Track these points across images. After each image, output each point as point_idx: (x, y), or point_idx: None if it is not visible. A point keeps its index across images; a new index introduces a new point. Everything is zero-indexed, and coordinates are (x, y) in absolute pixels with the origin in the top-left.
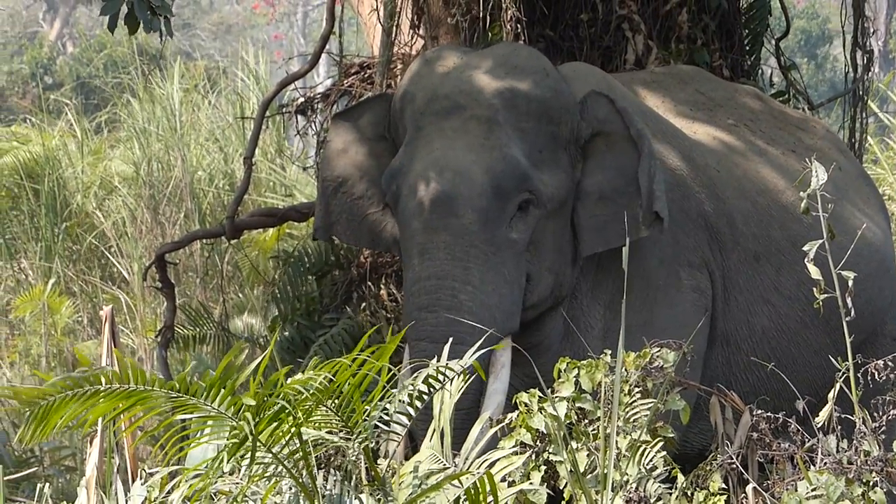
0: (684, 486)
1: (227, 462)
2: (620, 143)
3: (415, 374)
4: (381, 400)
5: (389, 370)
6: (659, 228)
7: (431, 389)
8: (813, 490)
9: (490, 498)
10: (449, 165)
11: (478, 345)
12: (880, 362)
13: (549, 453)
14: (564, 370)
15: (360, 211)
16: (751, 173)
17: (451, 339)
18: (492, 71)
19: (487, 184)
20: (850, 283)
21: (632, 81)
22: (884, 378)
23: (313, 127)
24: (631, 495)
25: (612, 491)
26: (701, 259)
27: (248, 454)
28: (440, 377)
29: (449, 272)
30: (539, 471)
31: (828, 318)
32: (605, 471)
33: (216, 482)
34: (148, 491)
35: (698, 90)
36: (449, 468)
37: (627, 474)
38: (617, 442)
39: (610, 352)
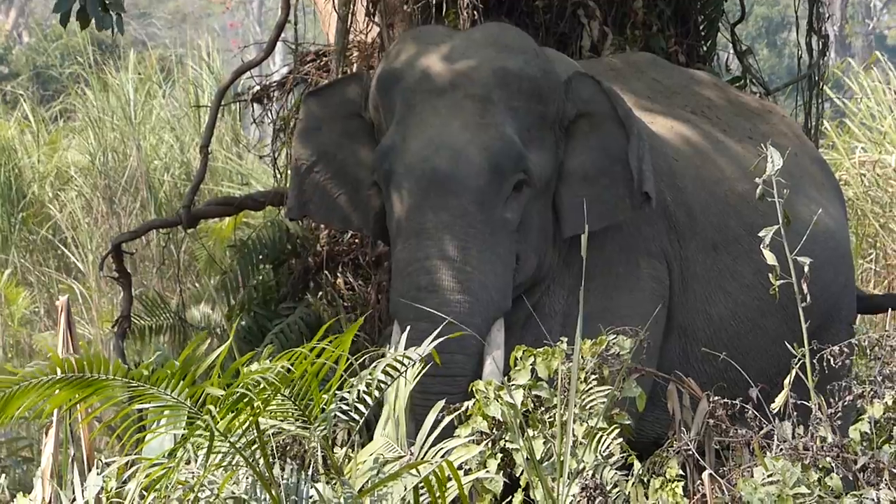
0: (641, 472)
1: (186, 452)
2: (606, 123)
3: (373, 364)
4: (338, 389)
5: (347, 359)
6: (631, 215)
7: (390, 378)
8: (769, 476)
9: (448, 486)
10: (445, 144)
11: (435, 333)
12: (836, 348)
13: (506, 441)
14: (520, 358)
15: (333, 189)
16: (708, 162)
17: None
18: (483, 50)
19: (485, 163)
20: (806, 269)
21: (591, 69)
22: (839, 364)
23: (269, 115)
24: (587, 482)
25: (569, 478)
26: (659, 248)
27: (206, 444)
28: (398, 365)
29: (448, 253)
30: (495, 458)
31: (785, 306)
32: (562, 458)
33: (175, 472)
34: (104, 481)
35: (655, 78)
36: (404, 456)
37: (584, 461)
38: (573, 429)
39: (566, 339)
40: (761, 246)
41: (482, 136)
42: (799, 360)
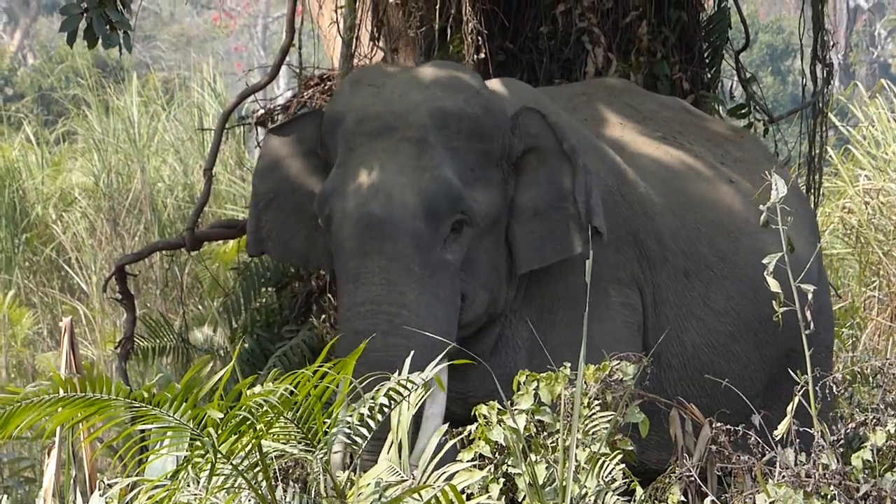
0: (643, 498)
1: (188, 474)
2: (553, 158)
3: (375, 388)
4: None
5: (350, 382)
6: (598, 243)
7: (392, 402)
8: (771, 503)
9: None
10: (381, 188)
11: (439, 358)
12: (839, 376)
13: (508, 466)
14: (524, 382)
15: (291, 227)
16: (678, 188)
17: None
18: (422, 90)
19: (420, 206)
20: (810, 296)
21: (562, 95)
22: (841, 391)
23: None
24: None
25: (571, 503)
26: (630, 276)
27: (209, 466)
28: (400, 390)
29: (384, 297)
30: (498, 483)
31: (756, 331)
32: (564, 483)
33: (177, 494)
34: (107, 502)
35: (627, 103)
36: (407, 480)
37: (586, 487)
38: (576, 454)
39: (570, 364)
40: (765, 273)
41: (417, 179)
42: (802, 387)
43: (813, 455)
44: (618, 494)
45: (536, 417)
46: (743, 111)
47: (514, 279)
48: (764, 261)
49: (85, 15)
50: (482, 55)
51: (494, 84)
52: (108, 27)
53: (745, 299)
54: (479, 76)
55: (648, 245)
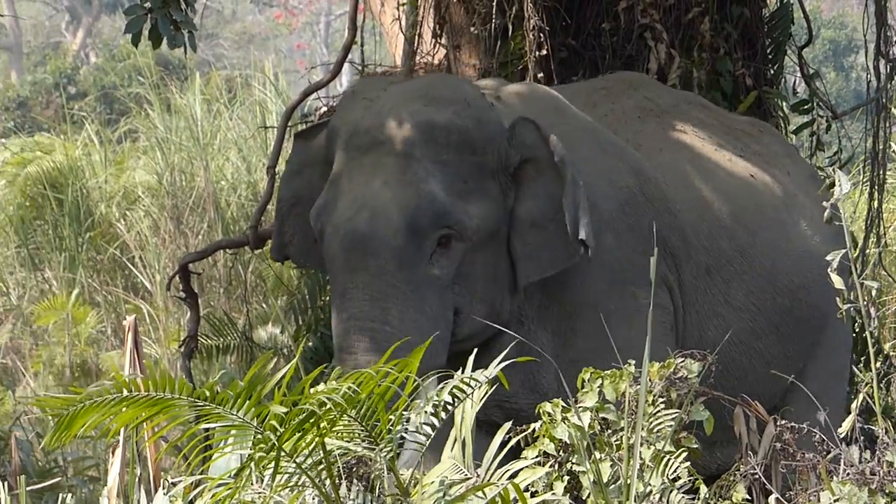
0: (708, 496)
1: (252, 472)
2: (548, 169)
3: (440, 385)
4: (405, 410)
5: (414, 380)
6: (621, 246)
7: (455, 399)
8: (836, 501)
9: None
10: (366, 204)
11: (504, 354)
12: None
13: (572, 463)
14: (588, 380)
15: (310, 233)
16: (698, 182)
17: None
18: (410, 104)
19: (402, 222)
20: (874, 292)
21: (581, 91)
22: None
23: None
24: None
25: (635, 501)
26: (658, 276)
27: (273, 464)
28: (464, 387)
29: (367, 313)
30: (562, 481)
31: (777, 325)
32: (629, 481)
33: (241, 492)
34: (171, 501)
35: (646, 97)
36: (471, 478)
37: (651, 485)
38: (640, 452)
39: (634, 362)
40: (829, 270)
41: (401, 194)
42: (866, 384)
43: (878, 452)
44: (682, 492)
45: (601, 415)
46: (806, 107)
47: (518, 291)
48: (828, 257)
49: (149, 15)
50: (544, 52)
51: (513, 89)
52: (172, 27)
53: (764, 293)
54: (475, 87)
55: (672, 243)
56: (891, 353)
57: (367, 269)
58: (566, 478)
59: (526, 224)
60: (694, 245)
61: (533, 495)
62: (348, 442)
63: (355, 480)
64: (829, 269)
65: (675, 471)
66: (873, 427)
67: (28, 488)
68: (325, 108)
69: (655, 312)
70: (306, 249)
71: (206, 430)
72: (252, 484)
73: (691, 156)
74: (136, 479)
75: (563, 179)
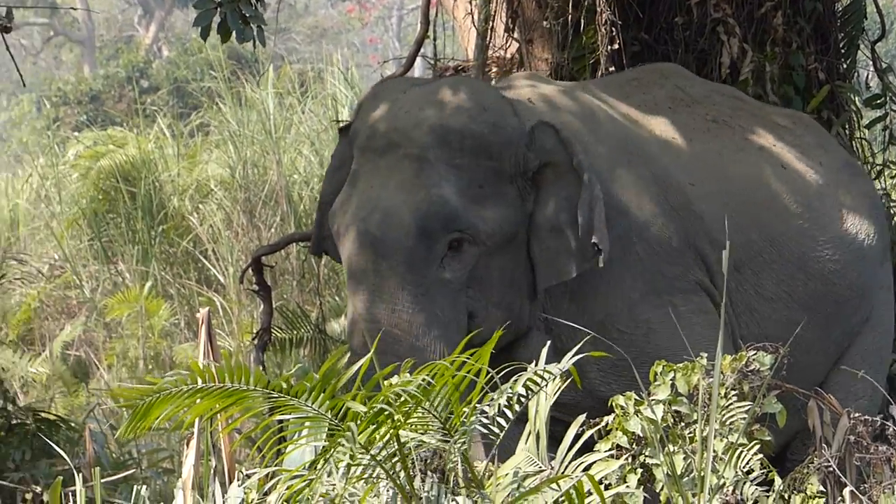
0: (781, 489)
1: (327, 464)
2: (566, 173)
3: (513, 378)
4: (478, 402)
5: (488, 373)
6: (597, 261)
7: (529, 392)
8: None
9: (587, 501)
10: (379, 206)
11: (577, 347)
12: None
13: (646, 456)
14: (660, 373)
15: None
16: (727, 172)
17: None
18: (427, 107)
19: (413, 225)
20: None
21: (614, 83)
22: None
23: None
24: (727, 498)
25: (709, 494)
26: (693, 283)
27: (347, 456)
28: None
29: (376, 315)
30: (635, 474)
31: (812, 310)
32: (702, 474)
33: (318, 484)
34: (245, 492)
35: (678, 86)
36: (545, 471)
37: (724, 477)
38: (713, 445)
39: (706, 355)
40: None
41: (413, 196)
42: None
43: None
44: (756, 484)
45: (674, 408)
46: (879, 101)
47: (538, 296)
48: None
49: (219, 9)
50: (616, 46)
51: (549, 91)
52: (241, 21)
53: (795, 280)
54: (495, 91)
55: (702, 248)
56: None
57: (377, 270)
58: (640, 470)
59: (545, 228)
60: (720, 244)
61: (607, 488)
62: (423, 434)
63: (429, 472)
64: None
65: (748, 463)
66: None
67: (102, 480)
68: None
69: (698, 318)
70: None
71: (280, 421)
72: (326, 476)
73: (722, 146)
74: (211, 471)
75: (580, 183)
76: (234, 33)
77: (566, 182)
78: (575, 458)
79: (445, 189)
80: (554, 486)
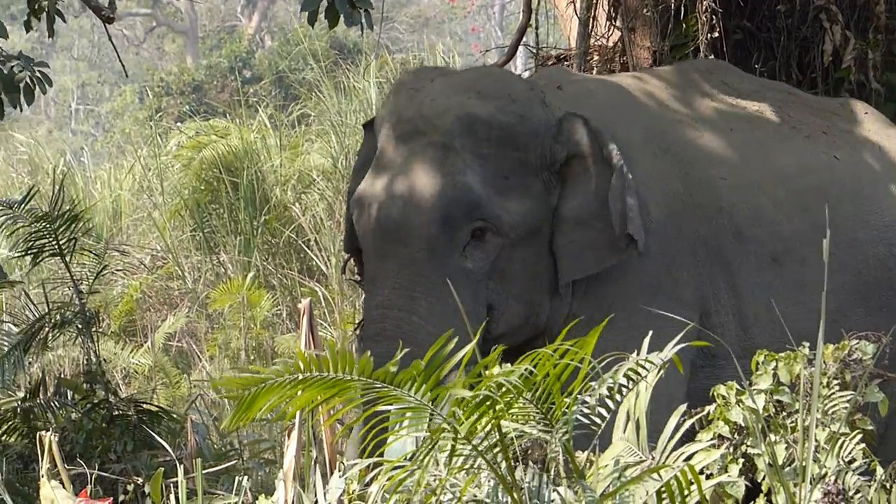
0: (883, 478)
1: (428, 454)
2: (596, 165)
3: (614, 368)
4: (580, 392)
5: (590, 362)
6: (634, 251)
7: (630, 382)
8: None
9: (688, 491)
10: (401, 192)
11: (679, 336)
12: None
13: (747, 446)
14: (762, 362)
15: None
16: (770, 164)
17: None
18: (454, 96)
19: (436, 212)
20: None
21: (654, 77)
22: None
23: None
24: (829, 488)
25: (811, 483)
26: (694, 296)
27: (449, 446)
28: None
29: (394, 302)
30: (737, 463)
31: (866, 298)
32: (804, 463)
33: (424, 474)
34: (347, 484)
35: (724, 81)
36: (646, 461)
37: (826, 467)
38: (815, 434)
39: (808, 344)
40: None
41: (436, 183)
42: None
43: None
44: (858, 474)
45: (775, 397)
46: None
47: (560, 291)
48: None
49: None
50: (716, 34)
51: (581, 82)
52: (349, 5)
53: (846, 268)
54: (525, 82)
55: (724, 245)
56: None
57: (397, 257)
58: (741, 460)
59: (571, 221)
60: (754, 237)
61: (708, 477)
62: (524, 424)
63: (531, 463)
64: None
65: (850, 453)
66: None
67: (204, 471)
68: None
69: (675, 332)
70: None
71: (380, 413)
72: (429, 466)
73: (766, 136)
74: (312, 462)
75: (612, 173)
76: (341, 17)
77: (595, 173)
78: (676, 447)
79: (470, 177)
80: (655, 476)
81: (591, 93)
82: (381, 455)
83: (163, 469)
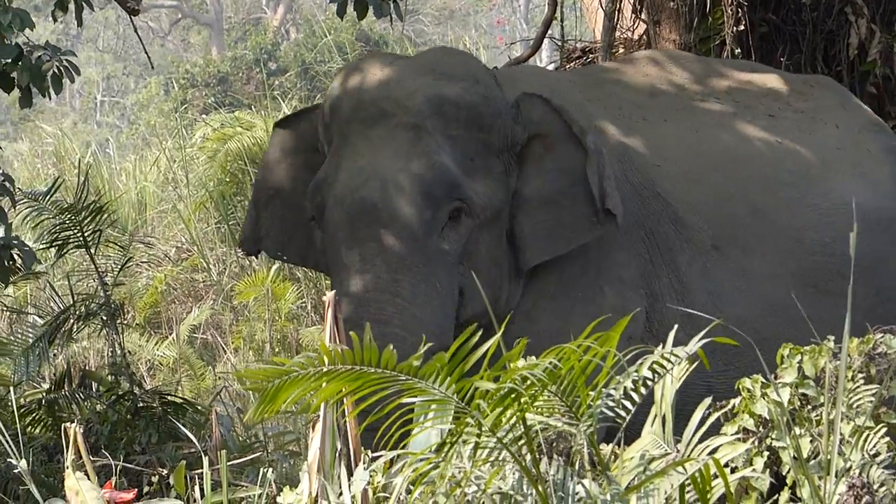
0: None
1: (453, 446)
2: (561, 143)
3: (639, 361)
4: (605, 386)
5: (615, 356)
6: (604, 239)
7: (656, 375)
8: None
9: (713, 484)
10: (376, 174)
11: (704, 332)
12: None
13: (772, 439)
14: (787, 356)
15: (289, 225)
16: (704, 152)
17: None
18: (419, 77)
19: (416, 192)
20: None
21: (587, 74)
22: None
23: None
24: (854, 481)
25: (835, 477)
26: (635, 276)
27: (473, 439)
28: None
29: (378, 284)
30: (762, 457)
31: (814, 285)
32: (829, 457)
33: (448, 466)
34: (371, 475)
35: (671, 70)
36: (671, 454)
37: (850, 460)
38: (840, 428)
39: (833, 337)
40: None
41: (413, 164)
42: None
43: None
44: (882, 467)
45: (800, 391)
46: None
47: (520, 276)
48: None
49: None
50: (742, 27)
51: (505, 72)
52: None
53: (789, 254)
54: (481, 63)
55: (662, 231)
56: None
57: (376, 241)
58: (766, 453)
59: (536, 202)
60: (693, 225)
61: (733, 471)
62: (548, 417)
63: (555, 455)
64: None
65: (874, 446)
66: None
67: (229, 463)
68: None
69: (618, 316)
70: (283, 242)
71: (404, 405)
72: (454, 458)
73: (700, 124)
74: (337, 454)
75: (586, 150)
76: (370, 8)
77: (558, 152)
78: (700, 441)
79: (444, 157)
80: (679, 469)
81: (522, 78)
82: (405, 447)
83: (184, 462)
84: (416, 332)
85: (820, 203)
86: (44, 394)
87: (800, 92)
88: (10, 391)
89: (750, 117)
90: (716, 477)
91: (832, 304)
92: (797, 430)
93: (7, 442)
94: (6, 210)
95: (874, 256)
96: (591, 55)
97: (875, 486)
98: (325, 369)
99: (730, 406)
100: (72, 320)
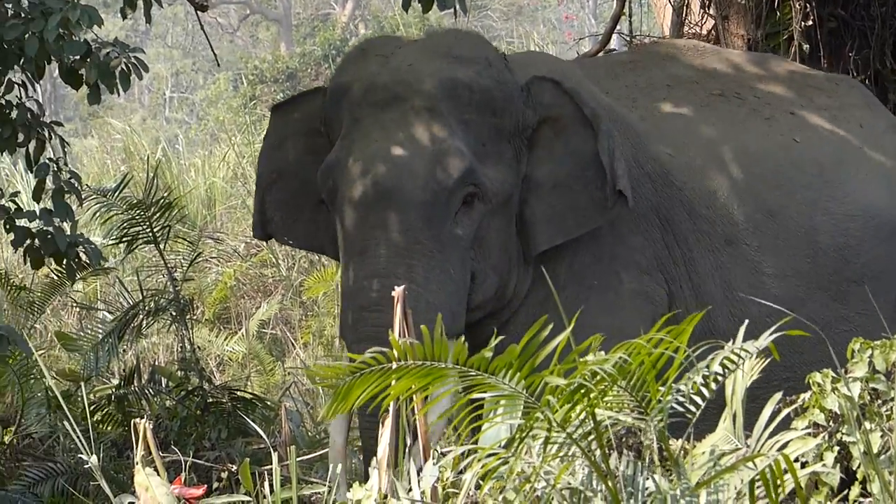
0: None
1: (524, 442)
2: (572, 126)
3: (710, 356)
4: (675, 381)
5: (685, 351)
6: (616, 224)
7: (726, 370)
8: None
9: (784, 479)
10: (389, 158)
11: (776, 326)
12: None
13: (843, 434)
14: (858, 350)
15: (294, 209)
16: (722, 146)
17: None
18: (432, 61)
19: (430, 176)
20: None
21: (603, 64)
22: None
23: None
24: None
25: None
26: (651, 260)
27: (543, 434)
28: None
29: (391, 270)
30: (832, 451)
31: (825, 287)
32: None
33: (518, 462)
34: (440, 471)
35: (685, 65)
36: (741, 449)
37: None
38: None
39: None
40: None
41: (427, 148)
42: None
43: None
44: None
45: (871, 385)
46: None
47: (525, 263)
48: None
49: None
50: (810, 22)
51: (516, 57)
52: None
53: (801, 255)
54: (492, 46)
55: (677, 220)
56: None
57: (390, 225)
58: (836, 448)
59: (547, 186)
60: (706, 217)
61: (803, 466)
62: (618, 412)
63: (625, 451)
64: None
65: None
66: None
67: (298, 459)
68: None
69: (636, 301)
70: (289, 226)
71: (474, 400)
72: (522, 454)
73: (719, 119)
74: (407, 450)
75: (596, 132)
76: (435, 1)
77: (568, 136)
78: (771, 436)
79: (458, 141)
80: (750, 464)
81: (534, 63)
82: (476, 443)
83: (248, 459)
84: (430, 319)
85: (833, 208)
86: (113, 389)
87: (823, 89)
88: (80, 387)
89: (769, 113)
90: (786, 472)
91: (851, 308)
92: (867, 425)
93: (77, 437)
94: (73, 208)
95: (890, 262)
96: None
97: None
98: (395, 365)
99: (800, 401)
100: (141, 316)
